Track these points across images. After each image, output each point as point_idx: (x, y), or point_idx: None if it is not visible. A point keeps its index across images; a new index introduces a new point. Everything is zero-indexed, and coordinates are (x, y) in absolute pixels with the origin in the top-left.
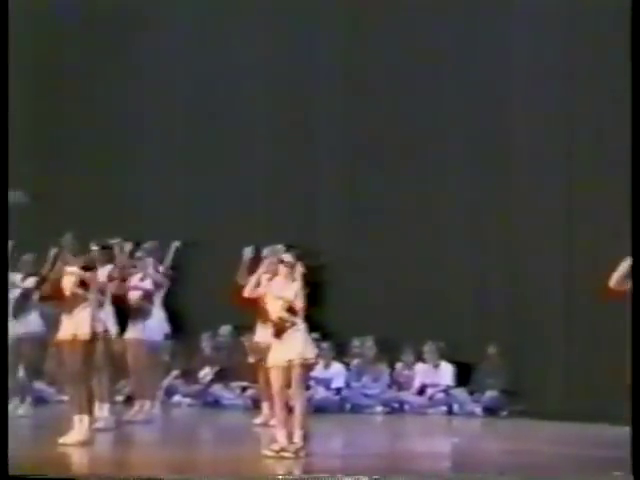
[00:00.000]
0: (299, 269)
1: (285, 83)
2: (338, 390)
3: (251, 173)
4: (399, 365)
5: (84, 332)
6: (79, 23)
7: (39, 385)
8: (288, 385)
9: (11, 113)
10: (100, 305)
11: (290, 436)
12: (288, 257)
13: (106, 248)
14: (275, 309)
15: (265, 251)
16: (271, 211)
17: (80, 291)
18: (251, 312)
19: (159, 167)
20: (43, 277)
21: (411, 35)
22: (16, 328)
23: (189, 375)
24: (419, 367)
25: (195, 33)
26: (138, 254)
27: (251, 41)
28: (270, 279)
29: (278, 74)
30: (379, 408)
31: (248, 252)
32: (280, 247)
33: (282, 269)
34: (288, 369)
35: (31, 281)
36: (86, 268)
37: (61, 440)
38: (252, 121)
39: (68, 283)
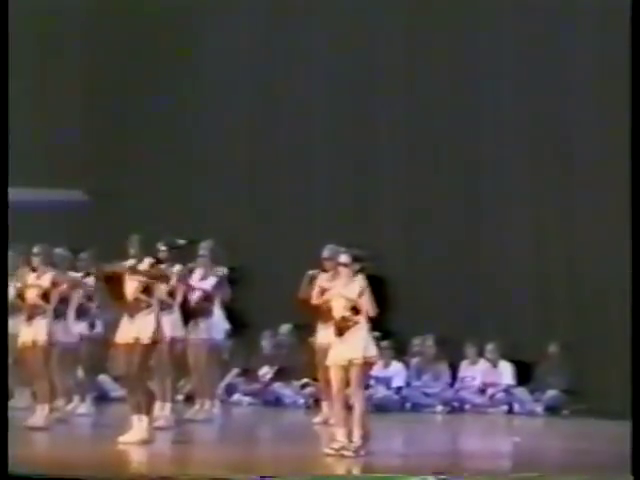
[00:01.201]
0: (358, 268)
1: (344, 85)
2: (398, 389)
3: (311, 174)
4: (460, 364)
5: (146, 337)
6: (142, 25)
7: (101, 382)
8: (347, 384)
9: (72, 113)
10: (169, 307)
11: (350, 435)
12: (346, 257)
13: (174, 248)
14: (338, 308)
15: (325, 252)
16: (331, 211)
17: (143, 297)
18: (312, 311)
19: (220, 168)
20: (107, 276)
21: (472, 36)
22: (78, 327)
23: (249, 374)
24: (480, 366)
25: (256, 37)
26: (200, 253)
27: (308, 43)
28: (331, 279)
29: (337, 77)
30: (439, 407)
31: (310, 275)
32: (339, 247)
33: (342, 269)
34: (348, 368)
35: (91, 280)
36: (152, 274)
37: (121, 439)
38: (311, 123)
39: (131, 288)
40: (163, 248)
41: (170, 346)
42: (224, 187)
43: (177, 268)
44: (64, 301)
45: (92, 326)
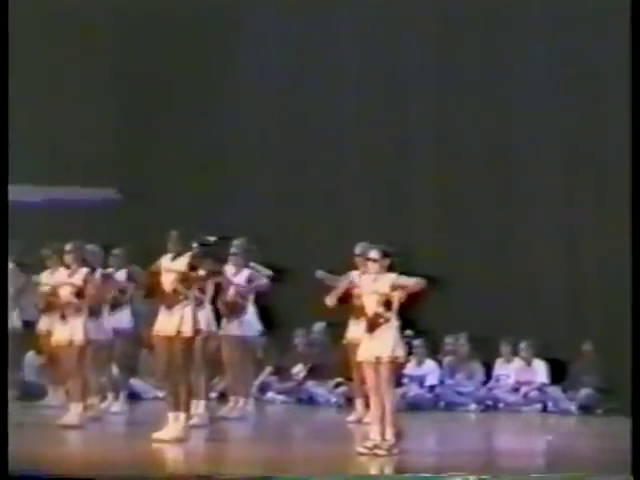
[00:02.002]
0: (388, 264)
1: (377, 82)
2: (431, 387)
3: (344, 171)
4: (494, 363)
5: (186, 329)
6: (173, 24)
7: (134, 381)
8: (379, 382)
9: (105, 112)
10: (200, 303)
11: (383, 433)
12: (375, 252)
13: (205, 245)
14: (371, 304)
15: (357, 249)
16: (364, 209)
17: (181, 288)
18: (345, 309)
19: (253, 166)
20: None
21: (504, 35)
22: (110, 324)
23: (282, 372)
24: (514, 365)
25: (287, 34)
26: (232, 250)
27: (339, 39)
28: (361, 275)
29: (369, 75)
30: (473, 406)
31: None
32: (368, 244)
33: (371, 265)
34: (377, 366)
35: (122, 275)
36: (190, 266)
37: (155, 436)
38: (343, 121)
39: (168, 280)
40: (194, 245)
41: (203, 342)
42: (257, 185)
43: (207, 264)
44: (97, 298)
45: (127, 323)
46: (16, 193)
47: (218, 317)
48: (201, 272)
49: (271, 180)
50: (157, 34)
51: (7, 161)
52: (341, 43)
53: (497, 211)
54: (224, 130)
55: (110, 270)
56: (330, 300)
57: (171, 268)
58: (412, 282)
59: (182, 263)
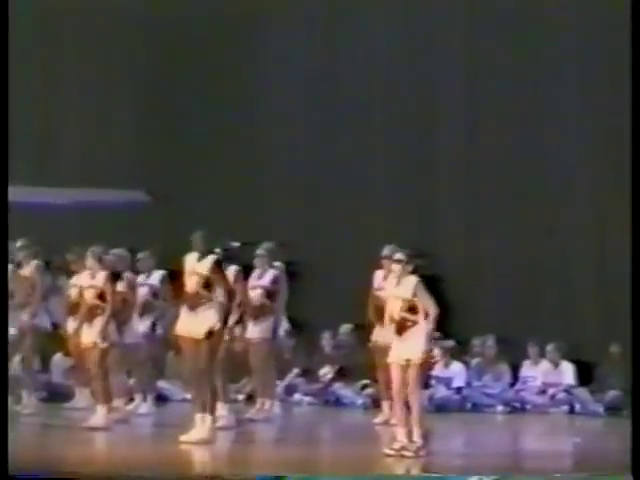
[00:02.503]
0: (411, 268)
1: (405, 87)
2: (459, 389)
3: (373, 174)
4: (521, 364)
5: (208, 332)
6: (202, 25)
7: (161, 383)
8: (406, 384)
9: (135, 114)
10: (223, 305)
11: (410, 435)
12: (400, 255)
13: (228, 250)
14: (395, 309)
15: (384, 251)
16: (392, 211)
17: (204, 291)
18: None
19: (281, 168)
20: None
21: (535, 39)
22: (140, 326)
23: (310, 374)
24: (541, 367)
25: (317, 36)
26: (257, 252)
27: (368, 44)
28: (385, 278)
29: (399, 79)
30: (500, 407)
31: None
32: (395, 247)
33: (394, 267)
34: (406, 368)
35: (155, 278)
36: (214, 270)
37: (183, 437)
38: (371, 123)
39: (192, 282)
40: (217, 250)
41: (227, 345)
42: (284, 187)
43: (233, 268)
44: (124, 301)
45: (154, 326)
46: (45, 195)
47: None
48: (224, 275)
49: (299, 182)
50: (186, 36)
51: (7, 161)
52: (367, 43)
53: (527, 212)
54: (253, 132)
55: (140, 274)
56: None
57: (195, 270)
58: (428, 305)
59: (206, 266)
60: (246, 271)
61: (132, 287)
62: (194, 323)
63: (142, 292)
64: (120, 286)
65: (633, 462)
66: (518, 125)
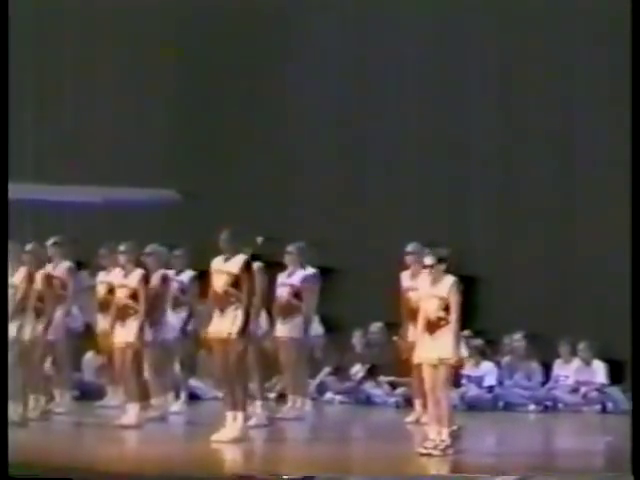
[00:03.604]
0: (444, 268)
1: (436, 85)
2: (490, 388)
3: (404, 173)
4: (553, 363)
5: (238, 332)
6: (234, 25)
7: (193, 382)
8: (437, 382)
9: (166, 113)
10: (252, 305)
11: (440, 434)
12: (430, 259)
13: (255, 247)
14: (431, 308)
15: (409, 247)
16: (423, 210)
17: (233, 291)
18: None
19: (312, 167)
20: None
21: (568, 37)
22: (172, 325)
23: (341, 372)
24: (573, 365)
25: (348, 36)
26: (287, 250)
27: (400, 43)
28: (412, 278)
29: (429, 78)
30: (532, 406)
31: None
32: (419, 244)
33: (427, 271)
34: (437, 367)
35: (186, 275)
36: (242, 269)
37: (214, 437)
38: (401, 123)
39: (219, 282)
40: (246, 249)
41: (257, 344)
42: (315, 186)
43: (256, 264)
44: (157, 298)
45: (186, 324)
46: (77, 194)
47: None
48: (253, 274)
49: (330, 181)
50: (218, 35)
51: (7, 161)
52: (399, 40)
53: (559, 211)
54: (285, 131)
55: (171, 271)
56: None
57: (222, 270)
58: (456, 303)
59: (236, 265)
60: (276, 268)
61: (166, 283)
62: (223, 323)
63: (172, 287)
64: (153, 281)
65: (633, 462)
66: (554, 124)
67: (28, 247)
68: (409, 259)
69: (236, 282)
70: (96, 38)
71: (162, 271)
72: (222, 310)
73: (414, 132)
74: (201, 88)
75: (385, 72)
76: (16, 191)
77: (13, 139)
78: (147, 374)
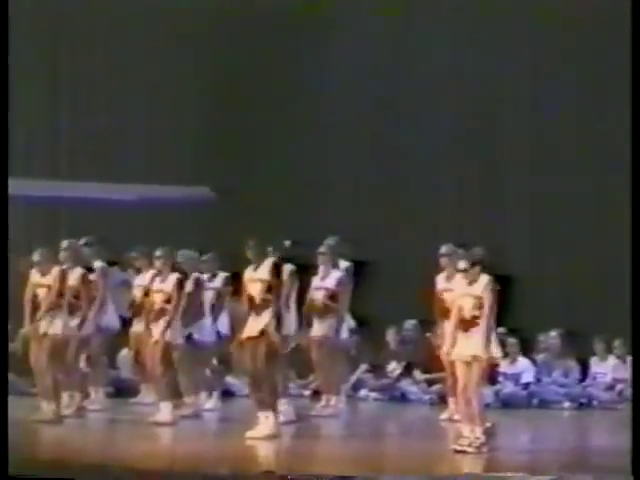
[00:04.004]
0: (479, 269)
1: (470, 87)
2: (526, 385)
3: (438, 170)
4: (589, 360)
5: (273, 334)
6: (269, 22)
7: (228, 379)
8: (470, 380)
9: (200, 110)
10: (286, 307)
11: (474, 431)
12: (464, 263)
13: (284, 250)
14: (466, 307)
15: (442, 249)
16: (457, 208)
17: (268, 296)
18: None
19: (346, 165)
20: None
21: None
22: (206, 327)
23: (377, 369)
24: (609, 362)
25: (383, 37)
26: (320, 250)
27: (433, 46)
28: (447, 279)
29: (463, 80)
30: (567, 403)
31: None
32: (453, 246)
33: (462, 275)
34: (471, 364)
35: (219, 281)
36: (273, 273)
37: (248, 434)
38: (437, 122)
39: (255, 290)
40: (270, 249)
41: (290, 345)
42: (350, 184)
43: (287, 267)
44: (192, 301)
45: (222, 327)
46: (111, 191)
47: (308, 318)
48: (284, 277)
49: (365, 179)
50: (250, 34)
51: (7, 160)
52: (431, 43)
53: (593, 210)
54: (317, 130)
55: (203, 276)
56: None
57: (254, 278)
58: (489, 303)
59: (263, 272)
60: (307, 269)
61: (199, 287)
62: (256, 325)
63: (207, 294)
64: (188, 287)
65: (633, 462)
66: (586, 125)
67: (63, 245)
68: (443, 261)
69: (269, 287)
70: (129, 38)
71: (195, 275)
72: (258, 314)
73: (448, 130)
74: (234, 86)
75: (418, 70)
76: (51, 189)
77: (48, 138)
78: (181, 373)
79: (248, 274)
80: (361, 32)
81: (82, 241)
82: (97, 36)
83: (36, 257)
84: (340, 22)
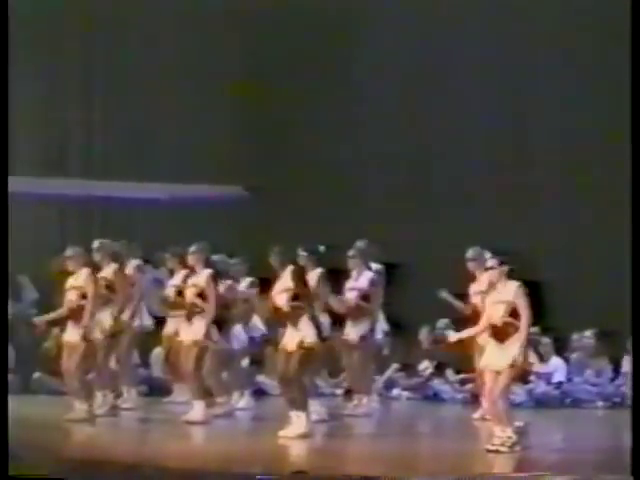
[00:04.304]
0: (508, 272)
1: (502, 89)
2: (558, 384)
3: (469, 173)
4: (621, 359)
5: (310, 341)
6: (301, 24)
7: (260, 378)
8: (498, 386)
9: (232, 107)
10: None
11: (506, 431)
12: (493, 262)
13: (314, 254)
14: (497, 313)
15: (469, 253)
16: (488, 209)
17: (296, 304)
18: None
19: (378, 166)
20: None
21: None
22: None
23: (409, 369)
24: None
25: (414, 37)
26: (351, 253)
27: (464, 47)
28: (477, 283)
29: (494, 81)
30: (600, 403)
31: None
32: (480, 249)
33: (493, 274)
34: (499, 372)
35: (246, 284)
36: (297, 280)
37: (281, 433)
38: (467, 124)
39: (282, 301)
40: (304, 253)
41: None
42: (382, 185)
43: (317, 272)
44: (224, 304)
45: (256, 331)
46: (144, 190)
47: (341, 319)
48: (312, 283)
49: (396, 181)
50: (282, 33)
51: (7, 160)
52: (466, 44)
53: (622, 208)
54: (350, 129)
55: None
56: (453, 338)
57: (281, 288)
58: (524, 309)
59: (288, 280)
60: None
61: (232, 291)
62: (291, 338)
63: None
64: (221, 289)
65: (633, 462)
66: (619, 128)
67: (96, 244)
68: (470, 265)
69: (296, 295)
70: (161, 37)
71: (227, 281)
72: (293, 324)
73: (479, 132)
74: (266, 85)
75: (448, 74)
76: (84, 188)
77: (81, 138)
78: (213, 373)
79: (276, 287)
80: (394, 33)
81: (119, 241)
82: (130, 35)
83: (69, 253)
84: (374, 23)
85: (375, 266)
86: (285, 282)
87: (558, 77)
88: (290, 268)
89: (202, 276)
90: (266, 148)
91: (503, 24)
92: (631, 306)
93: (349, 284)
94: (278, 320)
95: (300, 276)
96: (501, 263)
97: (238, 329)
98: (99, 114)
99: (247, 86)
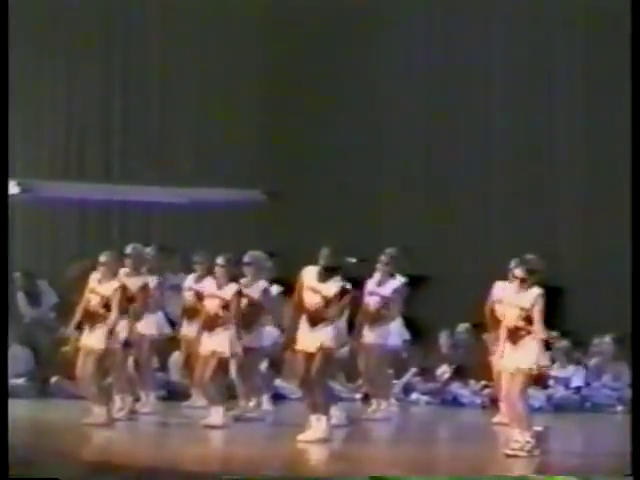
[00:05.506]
0: (534, 280)
1: (522, 89)
2: (577, 389)
3: (491, 178)
4: None
5: (329, 346)
6: (317, 25)
7: (279, 382)
8: (513, 390)
9: (251, 113)
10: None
11: (524, 435)
12: (521, 271)
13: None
14: (511, 317)
15: (512, 263)
16: (510, 214)
17: (324, 310)
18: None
19: (400, 171)
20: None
21: None
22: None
23: (427, 373)
24: None
25: (432, 36)
26: (381, 259)
27: (483, 45)
28: (503, 289)
29: (514, 81)
30: (619, 407)
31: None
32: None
33: (517, 282)
34: (515, 376)
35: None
36: (337, 294)
37: (300, 437)
38: (489, 128)
39: (313, 301)
40: (352, 260)
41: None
42: (405, 190)
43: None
44: (254, 310)
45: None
46: (164, 195)
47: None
48: (344, 299)
49: (418, 187)
50: (305, 36)
51: (7, 160)
52: (486, 45)
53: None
54: (369, 133)
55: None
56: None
57: (316, 289)
58: (538, 320)
59: (328, 289)
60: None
61: (267, 295)
62: (314, 339)
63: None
64: (252, 293)
65: (633, 462)
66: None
67: (128, 250)
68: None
69: (328, 303)
70: (181, 40)
71: (263, 283)
72: (314, 325)
73: (499, 136)
74: (286, 89)
75: (471, 71)
76: (103, 193)
77: (100, 141)
78: (241, 380)
79: (310, 281)
80: (414, 34)
81: (142, 247)
82: (150, 37)
83: (103, 258)
84: (394, 24)
85: (400, 278)
86: (324, 289)
87: (574, 77)
88: (340, 283)
89: (229, 290)
90: (284, 152)
91: (521, 25)
92: (631, 306)
93: (371, 287)
94: (303, 317)
95: (343, 293)
96: (530, 272)
97: (264, 330)
98: (118, 118)
99: (266, 90)
